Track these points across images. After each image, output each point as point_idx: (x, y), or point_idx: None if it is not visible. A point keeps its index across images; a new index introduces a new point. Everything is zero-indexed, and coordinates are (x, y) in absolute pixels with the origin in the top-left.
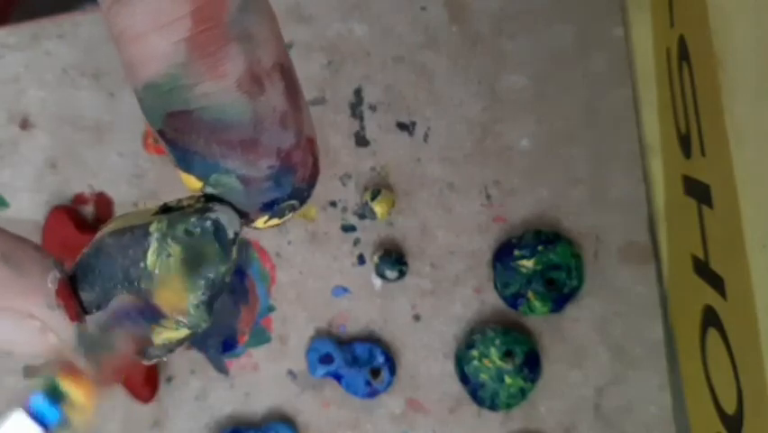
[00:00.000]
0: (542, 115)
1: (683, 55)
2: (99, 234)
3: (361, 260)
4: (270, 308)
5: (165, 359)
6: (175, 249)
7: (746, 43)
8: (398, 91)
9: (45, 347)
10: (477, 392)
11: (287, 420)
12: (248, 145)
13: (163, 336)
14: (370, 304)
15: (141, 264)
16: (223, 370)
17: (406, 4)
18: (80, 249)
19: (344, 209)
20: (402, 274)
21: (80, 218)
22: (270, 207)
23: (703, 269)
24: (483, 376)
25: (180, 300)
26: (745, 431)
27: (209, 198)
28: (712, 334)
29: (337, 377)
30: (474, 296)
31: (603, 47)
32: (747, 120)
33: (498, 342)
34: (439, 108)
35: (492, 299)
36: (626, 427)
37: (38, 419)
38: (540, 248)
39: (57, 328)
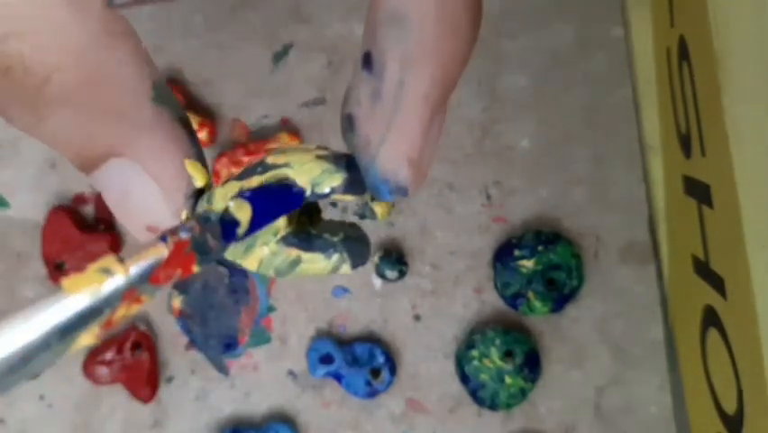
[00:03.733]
0: (542, 115)
1: (683, 55)
2: None
3: None
4: (270, 308)
5: None
6: None
7: (746, 43)
8: None
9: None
10: (477, 392)
11: (287, 420)
12: None
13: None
14: (370, 304)
15: None
16: (223, 370)
17: None
18: (81, 249)
19: (344, 209)
20: (402, 274)
21: (80, 218)
22: None
23: (703, 269)
24: (483, 376)
25: None
26: (746, 431)
27: None
28: (712, 334)
29: (337, 377)
30: (474, 296)
31: (603, 47)
32: (747, 120)
33: (498, 342)
34: None
35: (492, 299)
36: (626, 427)
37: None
38: (540, 248)
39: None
